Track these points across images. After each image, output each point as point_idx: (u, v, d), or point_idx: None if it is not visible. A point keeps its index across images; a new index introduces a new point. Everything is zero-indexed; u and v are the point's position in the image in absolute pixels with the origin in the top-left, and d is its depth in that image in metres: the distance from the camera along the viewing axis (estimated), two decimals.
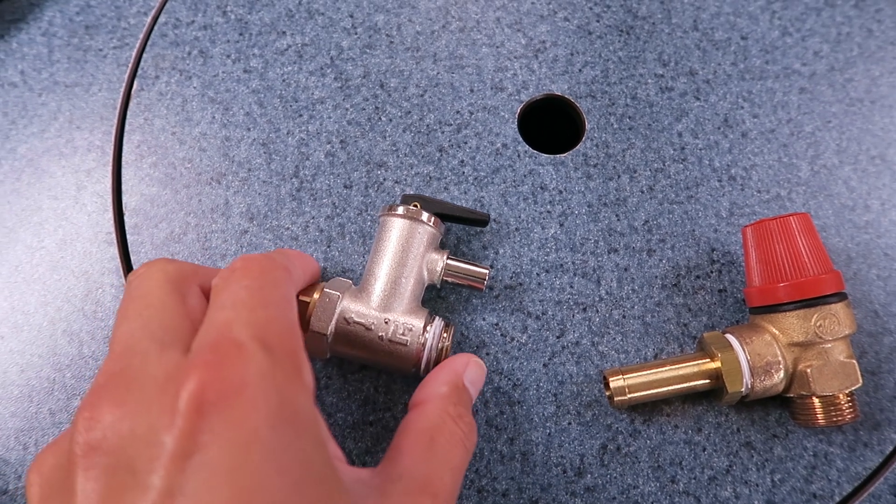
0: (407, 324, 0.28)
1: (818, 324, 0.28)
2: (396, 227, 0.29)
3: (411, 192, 0.33)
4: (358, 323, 0.28)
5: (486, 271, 0.30)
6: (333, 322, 0.27)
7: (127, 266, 0.33)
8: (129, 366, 0.19)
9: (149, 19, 0.38)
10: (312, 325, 0.27)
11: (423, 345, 0.28)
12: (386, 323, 0.28)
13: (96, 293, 0.33)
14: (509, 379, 0.31)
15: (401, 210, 0.29)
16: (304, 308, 0.28)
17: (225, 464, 0.17)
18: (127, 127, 0.36)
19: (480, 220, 0.31)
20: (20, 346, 0.32)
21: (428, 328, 0.28)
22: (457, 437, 0.24)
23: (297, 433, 0.18)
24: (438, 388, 0.26)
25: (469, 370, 0.28)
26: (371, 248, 0.30)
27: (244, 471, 0.17)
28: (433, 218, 0.30)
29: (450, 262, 0.30)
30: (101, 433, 0.18)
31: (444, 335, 0.29)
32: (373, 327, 0.28)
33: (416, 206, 0.30)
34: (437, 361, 0.28)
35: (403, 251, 0.29)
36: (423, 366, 0.28)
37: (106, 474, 0.17)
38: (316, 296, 0.28)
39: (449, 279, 0.30)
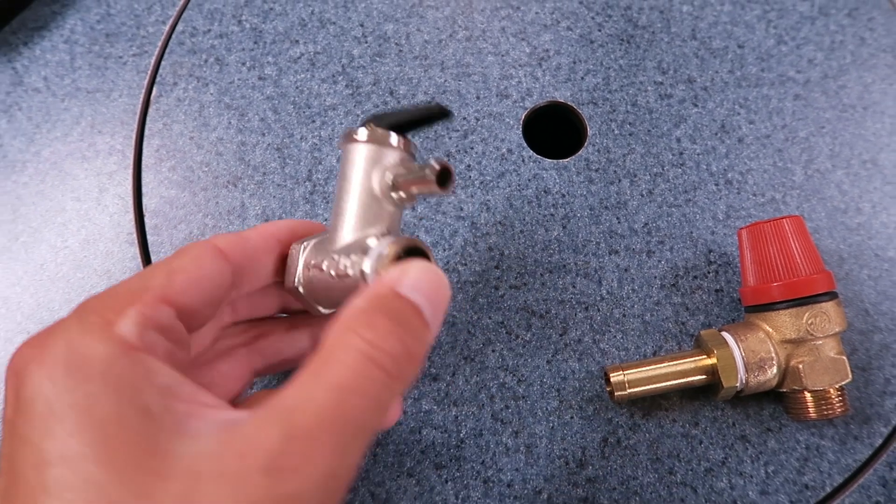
0: (353, 254, 0.23)
1: (809, 322, 0.30)
2: (352, 156, 0.25)
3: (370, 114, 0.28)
4: (315, 266, 0.25)
5: (437, 165, 0.23)
6: (299, 273, 0.25)
7: (147, 265, 0.35)
8: None
9: (167, 28, 0.39)
10: (285, 282, 0.26)
11: (361, 273, 0.23)
12: (335, 258, 0.24)
13: None
14: (514, 375, 0.33)
15: (361, 134, 0.25)
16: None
17: (8, 414, 0.18)
18: (147, 131, 0.37)
19: (439, 114, 0.26)
20: None
21: (369, 248, 0.23)
22: (352, 349, 0.19)
23: (83, 378, 0.18)
24: (352, 301, 0.20)
25: (407, 274, 0.21)
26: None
27: (17, 421, 0.18)
28: (366, 132, 0.25)
29: (399, 170, 0.24)
30: None
31: (391, 245, 0.23)
32: (324, 266, 0.24)
33: (370, 126, 0.25)
34: None
35: (341, 178, 0.25)
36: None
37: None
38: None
39: (401, 192, 0.24)
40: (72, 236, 0.35)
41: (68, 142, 0.37)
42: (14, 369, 0.19)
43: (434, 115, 0.26)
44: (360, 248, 0.23)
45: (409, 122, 0.25)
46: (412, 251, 0.23)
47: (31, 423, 0.17)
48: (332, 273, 0.24)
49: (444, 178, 0.23)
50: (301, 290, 0.25)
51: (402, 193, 0.24)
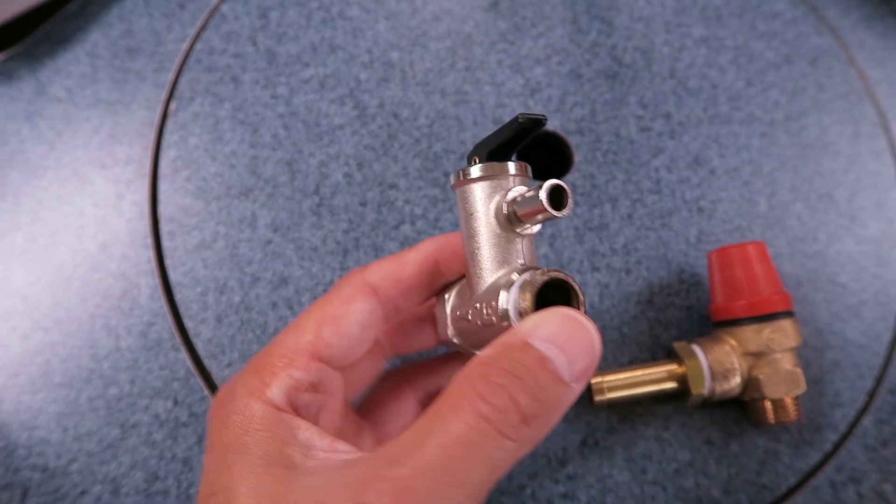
0: (492, 299, 0.22)
1: (769, 337, 0.33)
2: (458, 200, 0.24)
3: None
4: (461, 318, 0.24)
5: (546, 188, 0.21)
6: (450, 326, 0.25)
7: (161, 269, 0.37)
8: None
9: (185, 46, 0.42)
10: (438, 332, 0.26)
11: (504, 316, 0.21)
12: (476, 307, 0.23)
13: (132, 292, 0.36)
14: None
15: (452, 180, 0.24)
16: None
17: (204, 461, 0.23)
18: (163, 143, 0.39)
19: (532, 125, 0.22)
20: (62, 338, 0.35)
21: (503, 294, 0.21)
22: (466, 404, 0.18)
23: (242, 432, 0.22)
24: (482, 352, 0.20)
25: (542, 324, 0.19)
26: None
27: (209, 465, 0.22)
28: (484, 166, 0.23)
29: (517, 197, 0.23)
30: None
31: (524, 290, 0.21)
32: (469, 316, 0.23)
33: (475, 161, 0.23)
34: None
35: (466, 222, 0.24)
36: None
37: None
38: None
39: (525, 221, 0.23)
40: (89, 240, 0.37)
41: (88, 150, 0.39)
42: (209, 416, 0.24)
43: (526, 128, 0.22)
44: (497, 293, 0.22)
45: (505, 145, 0.23)
46: (556, 287, 0.21)
47: (210, 459, 0.22)
48: (479, 323, 0.23)
49: (557, 200, 0.21)
50: (455, 340, 0.25)
51: (525, 224, 0.23)
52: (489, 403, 0.18)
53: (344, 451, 0.22)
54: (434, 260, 0.26)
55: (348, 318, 0.24)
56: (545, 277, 0.21)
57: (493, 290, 0.22)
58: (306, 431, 0.22)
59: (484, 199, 0.23)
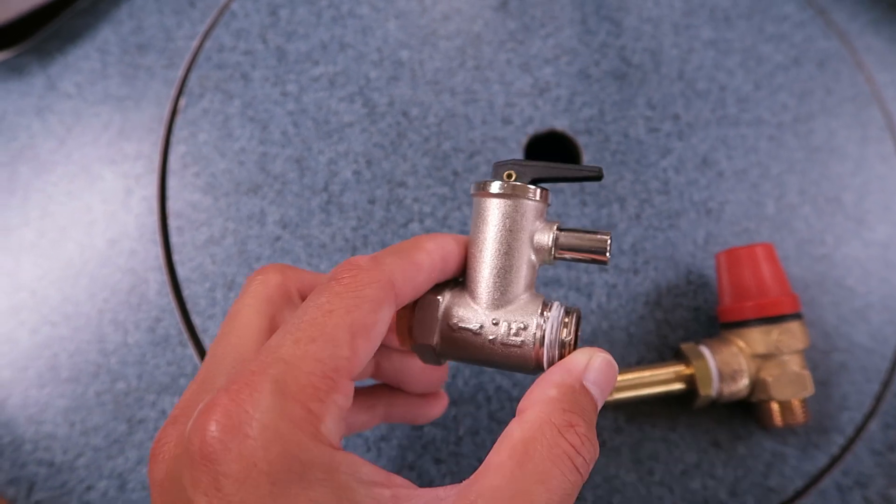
0: (519, 321, 0.23)
1: (778, 339, 0.33)
2: (494, 209, 0.24)
3: (504, 160, 0.26)
4: (464, 328, 0.24)
5: (607, 237, 0.24)
6: (437, 332, 0.24)
7: (169, 265, 0.37)
8: (193, 401, 0.21)
9: (195, 43, 0.42)
10: (415, 335, 0.24)
11: (541, 341, 0.23)
12: (495, 324, 0.24)
13: (141, 287, 0.36)
14: (510, 378, 0.35)
15: (496, 187, 0.24)
16: (408, 312, 0.25)
17: None
18: (173, 139, 0.39)
19: (592, 177, 0.25)
20: (70, 332, 0.35)
21: (544, 321, 0.23)
22: (560, 450, 0.19)
23: (306, 485, 0.18)
24: (546, 391, 0.21)
25: (592, 368, 0.22)
26: (470, 235, 0.25)
27: None
28: (537, 190, 0.24)
29: (562, 234, 0.24)
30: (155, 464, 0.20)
31: (566, 322, 0.23)
32: (481, 331, 0.24)
33: (510, 175, 0.24)
34: (562, 358, 0.23)
35: (505, 237, 0.24)
36: (545, 366, 0.23)
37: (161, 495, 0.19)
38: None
39: (565, 255, 0.24)
40: (98, 235, 0.37)
41: (98, 146, 0.39)
42: (206, 454, 0.17)
43: (588, 176, 0.25)
44: (527, 319, 0.23)
45: (556, 178, 0.25)
46: (578, 320, 0.24)
47: None
48: (492, 338, 0.23)
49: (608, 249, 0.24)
50: (438, 347, 0.24)
51: (564, 255, 0.24)
52: (579, 453, 0.20)
53: (401, 485, 0.20)
54: (441, 266, 0.24)
55: (377, 327, 0.21)
56: (576, 311, 0.24)
57: (522, 313, 0.24)
58: (366, 469, 0.19)
59: (531, 220, 0.24)
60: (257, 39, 0.42)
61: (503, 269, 0.24)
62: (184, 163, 0.39)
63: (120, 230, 0.37)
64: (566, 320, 0.23)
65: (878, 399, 0.37)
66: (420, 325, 0.24)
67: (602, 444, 0.34)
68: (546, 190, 0.25)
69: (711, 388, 0.33)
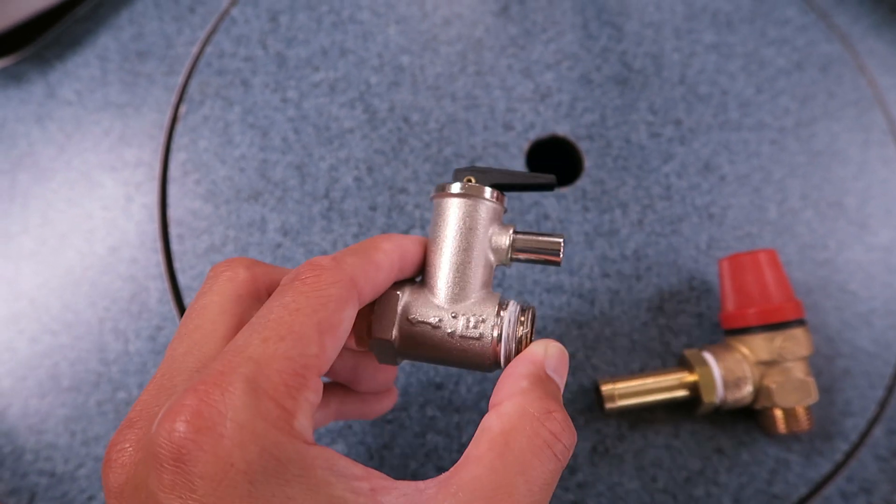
0: (477, 314, 0.24)
1: (781, 345, 0.33)
2: (454, 208, 0.26)
3: (464, 167, 0.28)
4: (423, 322, 0.25)
5: (560, 240, 0.26)
6: (396, 326, 0.24)
7: (170, 272, 0.37)
8: (152, 404, 0.20)
9: (195, 49, 0.42)
10: (374, 331, 0.25)
11: (499, 336, 0.24)
12: (454, 317, 0.25)
13: (141, 295, 0.36)
14: None
15: (456, 188, 0.26)
16: (366, 312, 0.25)
17: None
18: (173, 146, 0.39)
19: (545, 185, 0.27)
20: (71, 341, 0.35)
21: (502, 315, 0.24)
22: (541, 439, 0.20)
23: (283, 482, 0.18)
24: (518, 383, 0.22)
25: (550, 356, 0.23)
26: (429, 235, 0.27)
27: None
28: (494, 192, 0.26)
29: (518, 236, 0.26)
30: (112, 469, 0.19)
31: (522, 320, 0.25)
32: (440, 325, 0.24)
33: (470, 180, 0.26)
34: (518, 353, 0.24)
35: (464, 234, 0.25)
36: (502, 360, 0.25)
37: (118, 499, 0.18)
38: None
39: (520, 256, 0.26)
40: (98, 242, 0.37)
41: (98, 153, 0.39)
42: (177, 455, 0.17)
43: (542, 185, 0.27)
44: (489, 311, 0.24)
45: (512, 185, 0.27)
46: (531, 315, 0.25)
47: None
48: (451, 331, 0.24)
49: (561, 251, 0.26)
50: (396, 343, 0.25)
51: (519, 256, 0.26)
52: (559, 441, 0.21)
53: (380, 477, 0.20)
54: (399, 266, 0.25)
55: (342, 325, 0.21)
56: (532, 307, 0.26)
57: (481, 308, 0.25)
58: (342, 462, 0.19)
59: (487, 221, 0.26)
60: (257, 45, 0.42)
61: (462, 264, 0.25)
62: (184, 170, 0.39)
63: (120, 238, 0.37)
64: (522, 318, 0.25)
65: (883, 405, 0.37)
66: (379, 319, 0.24)
67: (605, 452, 0.34)
68: (503, 194, 0.27)
69: (715, 396, 0.33)
